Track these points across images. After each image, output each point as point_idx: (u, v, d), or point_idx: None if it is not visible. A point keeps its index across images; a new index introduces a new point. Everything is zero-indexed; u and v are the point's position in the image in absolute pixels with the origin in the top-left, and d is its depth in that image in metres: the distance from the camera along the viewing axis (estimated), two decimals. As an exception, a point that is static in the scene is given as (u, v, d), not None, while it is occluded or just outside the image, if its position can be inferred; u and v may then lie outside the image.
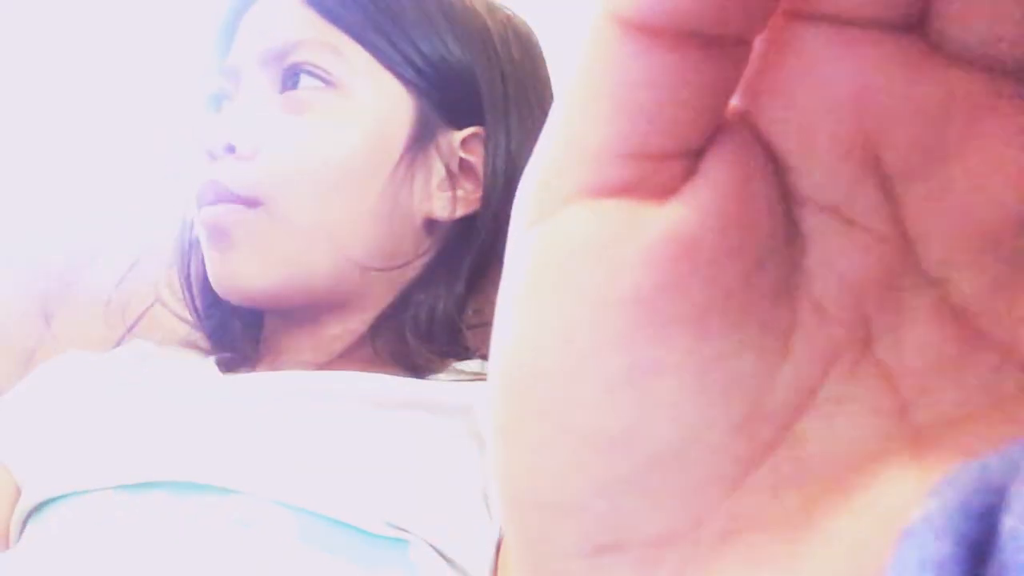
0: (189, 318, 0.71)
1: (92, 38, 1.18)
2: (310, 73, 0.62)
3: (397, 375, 0.65)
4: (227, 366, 0.66)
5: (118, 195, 1.06)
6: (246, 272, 0.61)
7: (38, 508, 0.58)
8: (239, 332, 0.68)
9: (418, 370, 0.64)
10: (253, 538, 0.52)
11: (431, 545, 0.53)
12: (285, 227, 0.60)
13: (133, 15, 1.16)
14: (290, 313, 0.65)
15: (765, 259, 0.16)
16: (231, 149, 0.61)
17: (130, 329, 0.75)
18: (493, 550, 0.57)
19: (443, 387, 0.63)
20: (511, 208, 0.17)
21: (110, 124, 1.15)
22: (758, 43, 0.16)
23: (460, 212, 0.64)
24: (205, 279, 0.66)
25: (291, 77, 0.62)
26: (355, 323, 0.64)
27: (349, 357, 0.65)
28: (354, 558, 0.52)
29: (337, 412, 0.58)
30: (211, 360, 0.67)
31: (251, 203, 0.60)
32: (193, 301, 0.70)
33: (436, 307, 0.63)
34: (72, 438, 0.60)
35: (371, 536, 0.53)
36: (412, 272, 0.64)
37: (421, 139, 0.62)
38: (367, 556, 0.52)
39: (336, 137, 0.61)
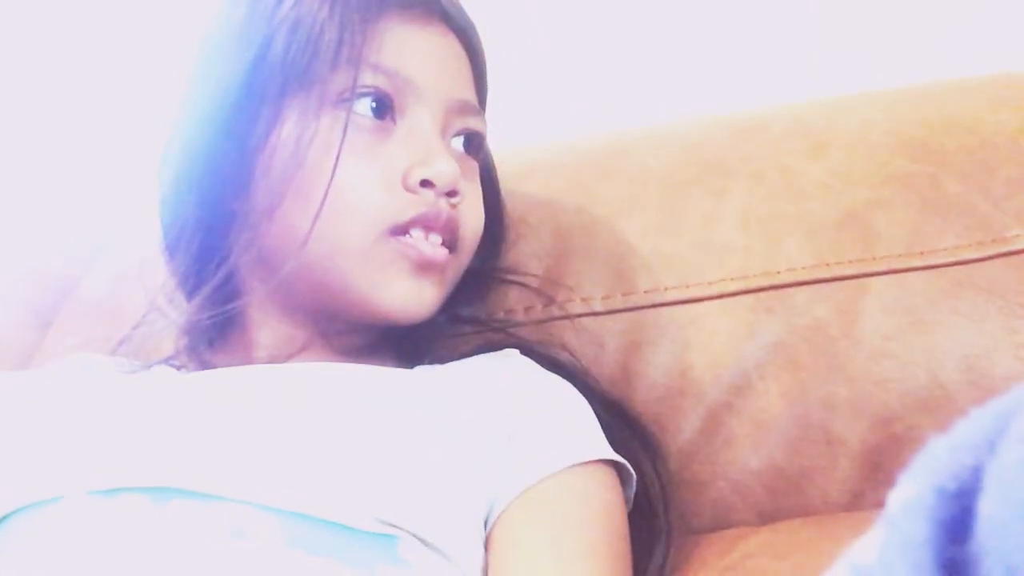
0: (184, 324, 0.69)
1: (93, 39, 1.18)
2: (480, 146, 0.69)
3: (379, 366, 0.66)
4: (203, 363, 0.66)
5: (117, 201, 1.06)
6: (430, 304, 0.64)
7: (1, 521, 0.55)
8: (229, 324, 0.67)
9: (408, 360, 0.67)
10: (239, 546, 0.50)
11: (420, 538, 0.53)
12: (455, 275, 0.67)
13: (133, 16, 1.16)
14: (347, 316, 0.65)
15: None
16: (454, 195, 0.64)
17: (127, 337, 0.74)
18: (480, 540, 0.57)
19: (425, 378, 0.64)
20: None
21: (111, 129, 1.16)
22: None
23: None
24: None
25: (468, 140, 0.67)
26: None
27: (350, 352, 0.66)
28: (343, 559, 0.51)
29: (319, 407, 0.58)
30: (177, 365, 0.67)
31: (452, 248, 0.65)
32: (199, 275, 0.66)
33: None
34: (32, 447, 0.58)
35: (360, 534, 0.52)
36: None
37: None
38: (356, 555, 0.51)
39: (482, 209, 0.68)
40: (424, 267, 0.62)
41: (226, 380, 0.60)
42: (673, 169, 0.76)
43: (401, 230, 0.62)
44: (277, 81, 0.61)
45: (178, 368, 0.68)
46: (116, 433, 0.57)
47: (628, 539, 0.61)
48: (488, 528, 0.58)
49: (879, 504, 0.25)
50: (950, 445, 0.23)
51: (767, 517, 0.66)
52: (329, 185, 0.60)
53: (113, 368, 0.68)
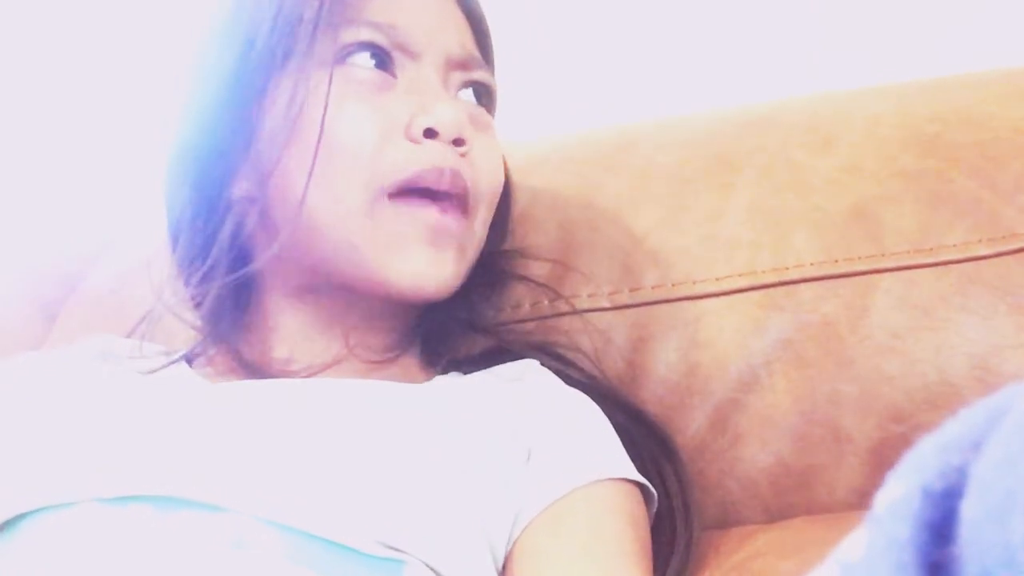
0: (191, 320, 0.68)
1: (93, 37, 1.18)
2: (491, 98, 0.67)
3: (403, 373, 0.65)
4: (224, 353, 0.65)
5: (121, 196, 1.06)
6: (449, 278, 0.61)
7: (5, 526, 0.54)
8: (241, 327, 0.66)
9: (429, 362, 0.68)
10: (242, 559, 0.49)
11: (428, 565, 0.52)
12: (476, 238, 0.64)
13: (133, 16, 1.16)
14: (374, 306, 0.64)
15: None
16: (461, 143, 0.62)
17: (132, 332, 0.74)
18: (492, 568, 0.55)
19: (441, 396, 0.62)
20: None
21: (112, 124, 1.15)
22: None
23: None
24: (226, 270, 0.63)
25: (478, 92, 0.66)
26: (411, 321, 0.67)
27: (375, 361, 0.65)
28: None
29: (330, 424, 0.56)
30: (191, 364, 0.66)
31: (465, 211, 0.62)
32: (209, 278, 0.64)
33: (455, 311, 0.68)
34: (40, 447, 0.57)
35: (363, 556, 0.51)
36: None
37: None
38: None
39: (500, 160, 0.67)
40: (440, 234, 0.60)
41: (239, 392, 0.60)
42: (680, 163, 0.75)
43: (404, 190, 0.60)
44: (269, 52, 0.61)
45: (195, 359, 0.67)
46: (126, 440, 0.56)
47: (651, 554, 0.60)
48: (509, 547, 0.56)
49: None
50: (939, 444, 0.23)
51: (774, 514, 0.66)
52: (320, 133, 0.59)
53: (129, 354, 0.67)
